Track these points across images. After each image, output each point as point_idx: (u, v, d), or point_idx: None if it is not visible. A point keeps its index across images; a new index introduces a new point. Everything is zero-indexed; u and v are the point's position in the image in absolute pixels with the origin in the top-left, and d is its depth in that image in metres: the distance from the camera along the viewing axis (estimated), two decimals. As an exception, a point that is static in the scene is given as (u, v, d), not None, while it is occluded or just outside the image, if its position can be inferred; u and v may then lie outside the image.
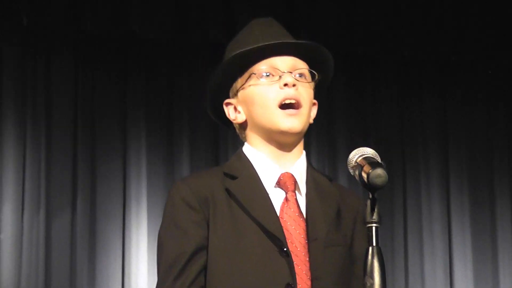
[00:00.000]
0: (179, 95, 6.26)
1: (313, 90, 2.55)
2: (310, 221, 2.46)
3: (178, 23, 6.01)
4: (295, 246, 2.42)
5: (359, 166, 2.16)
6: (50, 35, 6.05)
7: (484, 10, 6.32)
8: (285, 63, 2.47)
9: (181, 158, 6.18)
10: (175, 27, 6.00)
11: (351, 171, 2.21)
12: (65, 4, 5.90)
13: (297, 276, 2.40)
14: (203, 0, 6.09)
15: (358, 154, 2.19)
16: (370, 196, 2.10)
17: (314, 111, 2.56)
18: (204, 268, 2.41)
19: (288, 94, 2.43)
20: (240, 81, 2.52)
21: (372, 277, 2.07)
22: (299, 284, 2.38)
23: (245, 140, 2.59)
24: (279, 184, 2.48)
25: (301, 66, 2.49)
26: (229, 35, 6.27)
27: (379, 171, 2.08)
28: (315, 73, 2.53)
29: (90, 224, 5.88)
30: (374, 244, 2.07)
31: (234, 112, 2.54)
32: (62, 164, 6.00)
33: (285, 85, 2.43)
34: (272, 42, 2.50)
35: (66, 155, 6.03)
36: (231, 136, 6.01)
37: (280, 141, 2.48)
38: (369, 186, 2.10)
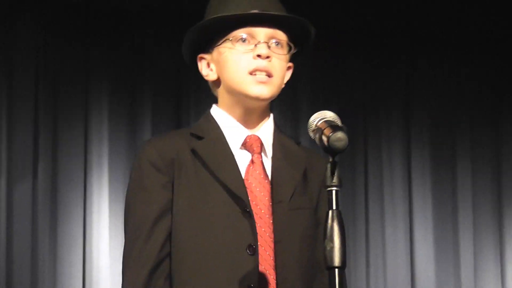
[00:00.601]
0: (141, 60, 6.19)
1: (289, 57, 2.56)
2: (275, 184, 2.48)
3: None
4: (259, 208, 2.44)
5: (320, 130, 2.15)
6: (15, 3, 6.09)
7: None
8: (263, 32, 2.48)
9: (143, 123, 6.12)
10: None
11: (311, 134, 2.20)
12: None
13: (260, 238, 2.42)
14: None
15: (318, 117, 2.19)
16: (331, 159, 2.09)
17: (288, 74, 2.57)
18: (170, 231, 2.43)
19: (260, 65, 2.44)
20: (216, 40, 2.53)
21: (332, 240, 2.08)
22: (262, 246, 2.41)
23: (216, 96, 2.61)
24: (245, 146, 2.50)
25: (280, 37, 2.51)
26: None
27: (340, 134, 2.07)
28: (292, 45, 2.54)
29: (51, 190, 5.85)
30: (334, 207, 2.07)
31: (206, 68, 2.56)
32: (23, 130, 5.94)
33: (258, 56, 2.45)
34: (253, 12, 2.49)
35: (27, 121, 5.98)
36: (193, 100, 6.04)
37: (248, 105, 2.51)
38: (329, 149, 2.08)
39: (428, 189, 6.65)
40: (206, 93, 2.80)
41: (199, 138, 2.52)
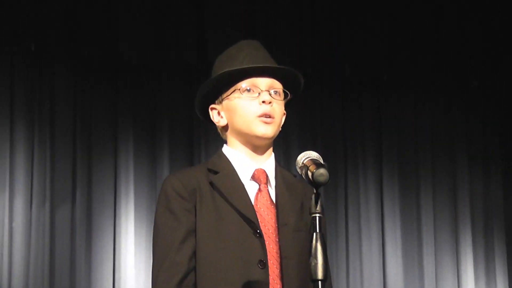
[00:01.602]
0: (160, 106, 6.49)
1: (285, 101, 2.68)
2: (280, 209, 2.60)
3: (158, 46, 6.39)
4: (267, 229, 2.57)
5: (305, 167, 2.31)
6: (53, 58, 6.40)
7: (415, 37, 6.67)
8: (264, 82, 2.62)
9: (162, 160, 6.54)
10: (155, 49, 6.38)
11: (298, 170, 2.35)
12: (65, 32, 6.23)
13: (269, 254, 2.55)
14: (178, 25, 6.39)
15: (304, 156, 2.35)
16: (314, 191, 2.24)
17: (283, 119, 2.68)
18: (195, 249, 2.55)
19: (265, 110, 2.58)
20: (225, 93, 2.65)
21: (316, 257, 2.24)
22: (270, 261, 2.54)
23: (226, 139, 2.72)
24: (253, 178, 2.63)
25: (277, 86, 2.64)
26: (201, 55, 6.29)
27: (322, 170, 2.24)
28: (288, 92, 2.66)
29: (86, 213, 6.28)
30: (317, 230, 2.23)
31: (217, 116, 2.68)
32: (63, 163, 6.31)
33: (263, 102, 2.58)
34: (255, 66, 2.64)
35: (67, 156, 6.33)
36: (203, 143, 6.52)
37: (255, 144, 2.63)
38: (313, 183, 2.25)
39: (397, 212, 6.97)
40: (214, 136, 2.95)
41: (215, 172, 2.63)
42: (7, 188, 6.15)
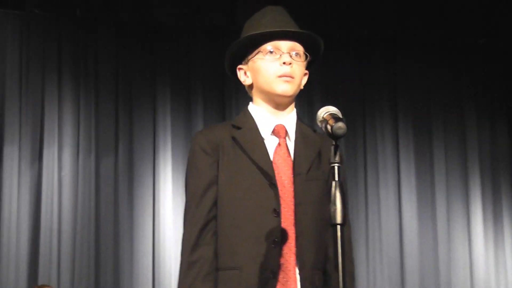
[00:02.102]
0: (194, 66, 7.01)
1: (306, 64, 2.74)
2: (296, 160, 2.68)
3: (191, 10, 6.79)
4: (283, 179, 2.65)
5: (325, 121, 2.35)
6: (96, 22, 6.90)
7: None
8: (285, 45, 2.69)
9: (197, 115, 7.04)
10: (189, 14, 6.81)
11: (319, 124, 2.38)
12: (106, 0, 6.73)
13: (283, 202, 2.63)
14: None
15: (324, 111, 2.39)
16: (334, 143, 2.31)
17: (305, 79, 2.73)
18: (216, 199, 2.67)
19: (286, 70, 2.65)
20: (250, 54, 2.73)
21: (335, 204, 2.30)
22: (285, 208, 2.63)
23: (251, 97, 2.81)
24: (273, 132, 2.69)
25: (298, 48, 2.70)
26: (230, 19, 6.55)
27: (340, 124, 2.29)
28: (308, 54, 2.72)
29: (128, 163, 6.84)
30: (336, 179, 2.28)
31: (244, 75, 2.75)
32: (107, 118, 6.84)
33: (284, 63, 2.65)
34: (277, 30, 2.71)
35: (110, 112, 6.87)
36: (234, 101, 6.95)
37: (276, 101, 2.69)
38: (332, 136, 2.31)
39: (412, 160, 7.33)
40: (242, 93, 2.98)
41: (239, 128, 2.73)
42: (56, 141, 6.64)
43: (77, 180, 6.74)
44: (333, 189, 2.30)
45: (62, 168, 6.71)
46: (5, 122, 6.77)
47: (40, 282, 6.44)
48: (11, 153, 6.74)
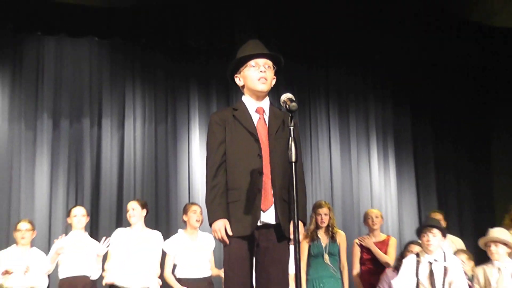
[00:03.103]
0: (212, 76, 8.26)
1: (274, 72, 3.22)
2: (269, 127, 3.18)
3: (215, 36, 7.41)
4: (262, 137, 3.13)
5: (285, 102, 2.93)
6: (155, 47, 8.02)
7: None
8: (261, 61, 3.19)
9: (212, 103, 8.37)
10: (208, 40, 7.58)
11: (282, 104, 2.90)
12: (166, 22, 7.30)
13: (263, 150, 3.09)
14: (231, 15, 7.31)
15: (284, 96, 2.95)
16: (290, 115, 2.83)
17: (273, 81, 3.20)
18: (224, 150, 3.16)
19: (262, 76, 3.20)
20: (242, 67, 3.22)
21: (291, 149, 2.85)
22: (264, 153, 3.11)
23: (243, 92, 3.24)
24: (256, 111, 3.17)
25: (269, 63, 3.19)
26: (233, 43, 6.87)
27: (294, 103, 2.85)
28: (275, 66, 3.22)
29: (173, 129, 8.20)
30: (291, 136, 2.80)
31: (238, 80, 3.23)
32: (161, 102, 8.10)
33: (261, 71, 3.17)
34: (256, 53, 3.19)
35: (163, 99, 8.15)
36: (234, 94, 7.75)
37: (257, 94, 3.19)
38: (289, 111, 2.85)
39: (336, 129, 8.70)
40: (237, 91, 3.61)
41: (236, 109, 3.19)
42: (132, 115, 8.04)
43: (144, 138, 8.07)
44: (290, 141, 2.79)
45: (136, 131, 8.05)
46: (102, 106, 7.99)
47: (125, 199, 7.39)
48: (105, 123, 7.95)
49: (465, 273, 5.18)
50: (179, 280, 5.69)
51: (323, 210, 6.20)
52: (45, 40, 7.59)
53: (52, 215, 7.34)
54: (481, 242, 5.43)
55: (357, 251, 6.26)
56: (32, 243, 5.98)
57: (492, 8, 7.43)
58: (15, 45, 7.49)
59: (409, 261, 5.23)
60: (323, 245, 6.05)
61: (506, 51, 8.18)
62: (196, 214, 5.82)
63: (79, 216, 6.06)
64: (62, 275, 5.86)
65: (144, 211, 5.89)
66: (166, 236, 5.92)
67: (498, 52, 8.21)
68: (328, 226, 6.10)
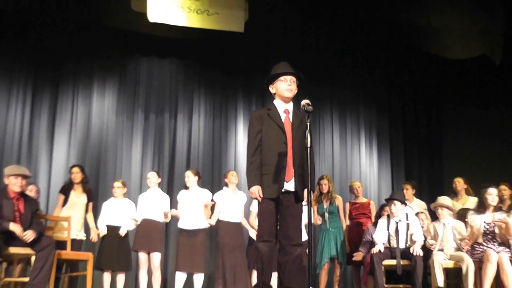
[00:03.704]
0: (254, 85, 8.25)
1: (296, 84, 3.34)
2: (292, 123, 3.30)
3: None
4: (287, 130, 3.27)
5: (304, 106, 3.06)
6: (209, 66, 8.06)
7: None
8: (289, 77, 3.37)
9: (253, 104, 8.36)
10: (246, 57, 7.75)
11: (302, 107, 2.99)
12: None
13: (287, 139, 3.25)
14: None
15: (304, 101, 2.99)
16: (307, 116, 2.88)
17: (295, 91, 3.38)
18: (261, 138, 3.29)
19: (289, 87, 3.31)
20: (275, 81, 3.39)
21: (306, 138, 2.96)
22: (288, 142, 3.24)
23: (274, 97, 3.38)
24: (284, 112, 3.30)
25: (293, 78, 3.36)
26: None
27: (310, 107, 2.96)
28: (297, 81, 3.35)
29: (225, 123, 8.09)
30: (307, 129, 2.90)
31: (272, 89, 3.39)
32: (214, 102, 8.01)
33: (288, 84, 3.31)
34: (285, 71, 3.36)
35: (215, 99, 8.02)
36: (267, 99, 7.50)
37: (285, 100, 3.32)
38: (306, 112, 2.90)
39: (336, 123, 8.48)
40: (270, 96, 3.57)
41: (269, 110, 3.34)
42: (187, 111, 7.91)
43: (205, 129, 8.22)
44: (306, 133, 2.97)
45: (200, 124, 8.12)
46: (178, 106, 8.19)
47: (177, 167, 7.59)
48: (179, 118, 8.13)
49: (422, 227, 5.63)
50: (220, 221, 6.04)
51: (324, 181, 6.45)
52: (141, 60, 8.12)
53: (143, 178, 7.68)
54: (432, 206, 5.85)
55: (347, 210, 6.49)
56: (126, 195, 6.39)
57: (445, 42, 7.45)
58: (121, 63, 8.08)
59: (382, 221, 5.73)
60: (325, 206, 6.33)
61: (455, 76, 8.55)
62: (233, 176, 6.14)
63: (151, 178, 6.38)
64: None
65: (197, 177, 6.13)
66: (217, 190, 6.35)
67: (448, 74, 8.55)
68: (328, 192, 6.37)
